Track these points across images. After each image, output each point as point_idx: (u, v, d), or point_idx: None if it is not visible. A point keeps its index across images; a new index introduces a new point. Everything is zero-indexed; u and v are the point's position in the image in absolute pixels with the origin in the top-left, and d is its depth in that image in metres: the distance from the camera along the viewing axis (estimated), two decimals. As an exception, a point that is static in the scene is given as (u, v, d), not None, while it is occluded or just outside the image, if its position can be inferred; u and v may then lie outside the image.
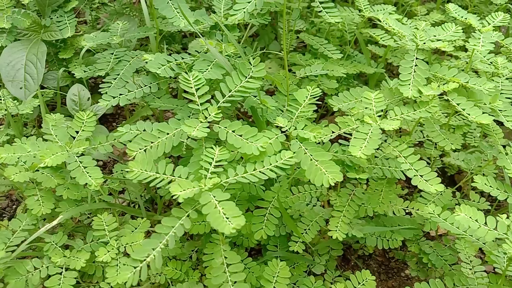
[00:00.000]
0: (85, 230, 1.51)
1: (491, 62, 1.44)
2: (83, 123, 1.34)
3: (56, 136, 1.35)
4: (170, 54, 1.34)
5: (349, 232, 1.25)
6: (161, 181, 1.01)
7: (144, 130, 1.17)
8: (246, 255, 1.31)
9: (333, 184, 1.02)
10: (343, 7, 1.80)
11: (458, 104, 1.18)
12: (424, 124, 1.60)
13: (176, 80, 1.65)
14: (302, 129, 1.13)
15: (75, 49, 1.95)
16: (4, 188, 1.77)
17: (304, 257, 1.43)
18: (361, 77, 2.11)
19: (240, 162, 1.18)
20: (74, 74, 1.88)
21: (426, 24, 1.47)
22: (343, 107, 1.29)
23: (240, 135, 1.09)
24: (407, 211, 1.40)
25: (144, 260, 0.91)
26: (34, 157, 1.25)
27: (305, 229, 1.33)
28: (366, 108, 1.19)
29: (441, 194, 1.42)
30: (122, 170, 1.48)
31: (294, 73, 1.66)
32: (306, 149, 1.08)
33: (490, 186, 1.22)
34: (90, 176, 1.20)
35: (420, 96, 1.19)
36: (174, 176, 1.02)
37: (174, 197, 0.94)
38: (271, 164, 1.05)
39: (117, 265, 1.22)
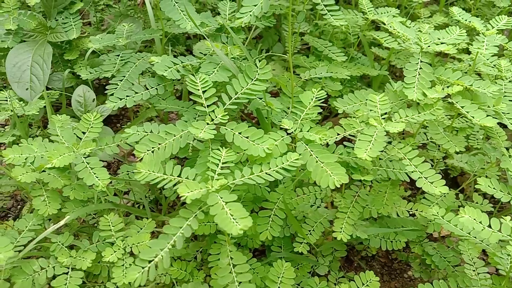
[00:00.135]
0: (90, 230, 1.52)
1: (494, 65, 1.45)
2: (90, 124, 1.35)
3: (62, 137, 1.36)
4: (175, 56, 1.35)
5: (354, 234, 1.26)
6: (168, 182, 1.02)
7: (151, 132, 1.18)
8: (251, 256, 1.32)
9: (338, 186, 1.03)
10: (347, 9, 1.81)
11: (462, 107, 1.19)
12: (427, 127, 1.61)
13: (181, 82, 1.66)
14: (308, 131, 1.14)
15: (80, 51, 1.97)
16: (10, 188, 1.78)
17: (308, 258, 1.44)
18: (364, 79, 2.12)
19: (246, 163, 1.19)
20: (79, 75, 1.90)
21: (430, 26, 1.49)
22: (348, 109, 1.30)
23: (247, 137, 1.10)
24: (410, 212, 1.41)
25: (152, 260, 0.92)
26: (42, 157, 1.26)
27: (309, 230, 1.34)
28: (370, 110, 1.20)
29: (444, 196, 1.43)
30: (128, 171, 1.49)
31: (298, 75, 1.67)
32: (311, 151, 1.09)
33: (494, 188, 1.23)
34: (97, 177, 1.21)
35: (423, 99, 1.20)
36: (181, 177, 1.03)
37: (181, 198, 0.95)
38: (277, 166, 1.06)
39: (123, 265, 1.23)
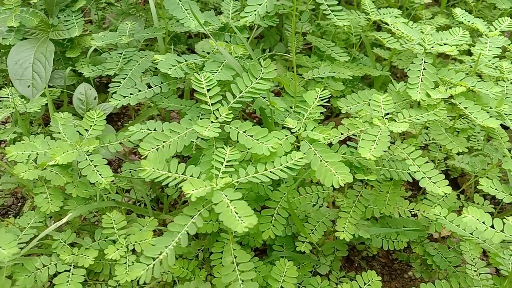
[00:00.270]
0: (91, 228, 1.52)
1: (496, 67, 1.46)
2: (93, 122, 1.35)
3: (65, 134, 1.36)
4: (178, 55, 1.35)
5: (356, 233, 1.26)
6: (173, 180, 1.02)
7: (155, 130, 1.18)
8: (253, 254, 1.32)
9: (343, 185, 1.03)
10: (349, 10, 1.82)
11: (465, 108, 1.19)
12: (428, 127, 1.62)
13: (183, 80, 1.66)
14: (312, 131, 1.15)
15: (82, 49, 1.97)
16: (10, 185, 1.77)
17: (310, 258, 1.44)
18: (365, 79, 2.12)
19: (249, 162, 1.19)
20: (80, 73, 1.90)
21: (432, 28, 1.49)
22: (351, 109, 1.30)
23: (251, 136, 1.10)
24: (412, 213, 1.41)
25: (157, 257, 0.92)
26: (45, 155, 1.26)
27: (311, 230, 1.34)
28: (374, 110, 1.20)
29: (446, 196, 1.43)
30: (130, 169, 1.49)
31: (300, 74, 1.68)
32: (315, 150, 1.10)
33: (496, 189, 1.24)
34: (100, 175, 1.21)
35: (425, 100, 1.20)
36: (186, 175, 1.03)
37: (186, 196, 0.95)
38: (281, 165, 1.06)
39: (125, 263, 1.23)
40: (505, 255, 1.17)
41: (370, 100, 1.28)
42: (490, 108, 1.25)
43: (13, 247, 0.96)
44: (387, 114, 1.19)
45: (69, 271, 1.24)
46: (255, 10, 1.17)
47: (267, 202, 1.30)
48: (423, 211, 1.39)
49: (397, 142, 1.23)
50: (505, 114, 1.25)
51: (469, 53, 1.85)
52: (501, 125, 1.28)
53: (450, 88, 1.23)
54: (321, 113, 1.23)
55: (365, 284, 1.29)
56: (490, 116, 1.18)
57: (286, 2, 1.70)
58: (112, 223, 1.29)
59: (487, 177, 1.37)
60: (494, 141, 1.45)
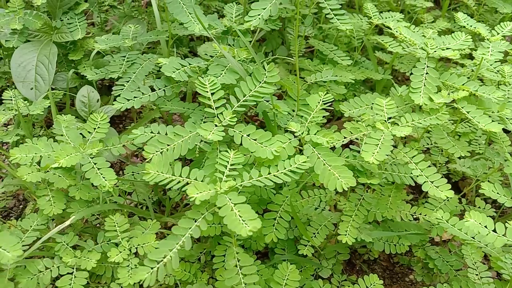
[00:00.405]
0: (93, 231, 1.53)
1: (498, 71, 1.46)
2: (96, 124, 1.35)
3: (68, 137, 1.36)
4: (181, 58, 1.36)
5: (358, 237, 1.26)
6: (177, 183, 1.02)
7: (158, 133, 1.18)
8: (255, 258, 1.32)
9: (346, 189, 1.04)
10: (351, 13, 1.82)
11: (468, 112, 1.20)
12: (430, 131, 1.63)
13: (186, 83, 1.67)
14: (315, 134, 1.15)
15: (85, 51, 1.97)
16: (12, 188, 1.78)
17: (312, 261, 1.45)
18: (366, 82, 2.13)
19: (252, 166, 1.19)
20: (83, 75, 1.90)
21: (433, 32, 1.50)
22: (354, 113, 1.31)
23: (255, 139, 1.11)
24: (414, 216, 1.42)
25: (161, 260, 0.93)
26: (49, 157, 1.26)
27: (314, 233, 1.35)
28: (377, 114, 1.21)
29: (447, 200, 1.44)
30: (133, 172, 1.49)
31: (303, 78, 1.68)
32: (319, 154, 1.10)
33: (498, 193, 1.24)
34: (104, 177, 1.21)
35: (427, 104, 1.21)
36: (190, 179, 1.04)
37: (190, 199, 0.95)
38: (285, 168, 1.06)
39: (128, 265, 1.23)
40: (506, 259, 1.18)
41: (372, 104, 1.29)
42: (492, 112, 1.25)
43: (18, 249, 0.97)
44: (390, 118, 1.20)
45: (71, 273, 1.24)
46: (259, 14, 1.17)
47: (270, 206, 1.31)
48: (425, 215, 1.40)
49: (399, 146, 1.23)
50: (507, 118, 1.26)
51: (470, 57, 1.86)
52: (502, 129, 1.29)
53: (452, 92, 1.24)
54: (323, 116, 1.23)
55: (367, 287, 1.29)
56: (492, 121, 1.18)
57: (289, 6, 1.71)
58: (115, 225, 1.30)
59: (488, 181, 1.37)
60: (496, 145, 1.45)
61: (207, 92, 1.15)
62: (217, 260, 1.26)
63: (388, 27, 1.42)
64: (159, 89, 1.34)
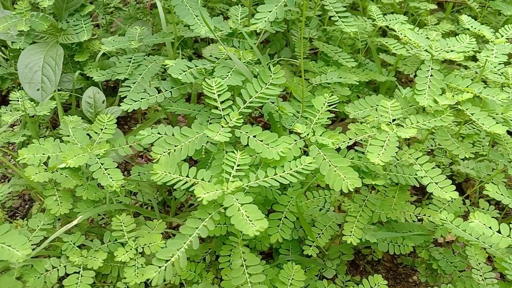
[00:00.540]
0: (99, 230, 1.54)
1: (501, 73, 1.47)
2: (104, 125, 1.36)
3: (75, 138, 1.37)
4: (188, 60, 1.37)
5: (363, 237, 1.27)
6: (184, 183, 1.04)
7: (165, 134, 1.19)
8: (260, 258, 1.33)
9: (352, 190, 1.04)
10: (355, 15, 1.83)
11: (472, 114, 1.21)
12: (434, 133, 1.63)
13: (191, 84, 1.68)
14: (321, 136, 1.16)
15: (90, 53, 1.99)
16: (18, 188, 1.79)
17: (316, 261, 1.46)
18: (370, 84, 2.14)
19: (258, 167, 1.20)
20: (88, 77, 1.92)
21: (437, 34, 1.51)
22: (359, 115, 1.32)
23: (261, 140, 1.12)
24: (418, 217, 1.42)
25: (169, 260, 0.94)
26: (57, 158, 1.28)
27: (319, 234, 1.36)
28: (381, 116, 1.22)
29: (451, 201, 1.44)
30: (139, 173, 1.50)
31: (307, 79, 1.69)
32: (325, 155, 1.11)
33: (502, 194, 1.25)
34: (111, 178, 1.22)
35: (432, 106, 1.22)
36: (197, 179, 1.05)
37: (198, 199, 0.96)
38: (291, 169, 1.07)
39: (135, 265, 1.24)
40: (511, 260, 1.18)
41: (377, 105, 1.30)
42: (496, 114, 1.26)
43: (27, 248, 0.98)
44: (394, 119, 1.21)
45: (78, 273, 1.25)
46: (265, 17, 1.18)
47: (275, 206, 1.32)
48: (429, 216, 1.41)
49: (403, 148, 1.24)
50: (511, 120, 1.27)
51: (473, 59, 1.86)
52: (507, 131, 1.30)
53: (456, 94, 1.24)
54: (327, 118, 1.24)
55: (371, 287, 1.30)
56: (497, 122, 1.19)
57: (293, 8, 1.72)
58: (121, 225, 1.31)
59: (492, 183, 1.38)
60: (500, 146, 1.46)
61: (214, 93, 1.16)
62: (223, 259, 1.27)
63: (393, 29, 1.43)
64: (166, 90, 1.36)
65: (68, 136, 1.39)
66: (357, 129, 1.22)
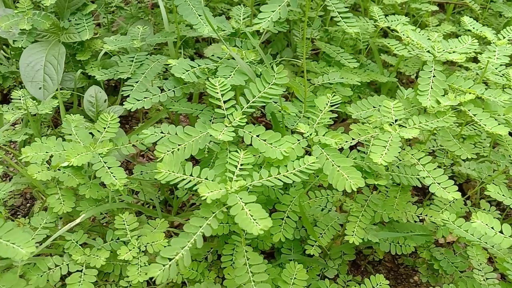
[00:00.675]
0: (101, 229, 1.54)
1: (503, 74, 1.48)
2: (106, 124, 1.37)
3: (78, 136, 1.38)
4: (191, 60, 1.37)
5: (365, 237, 1.28)
6: (188, 182, 1.04)
7: (169, 133, 1.20)
8: (263, 257, 1.33)
9: (355, 189, 1.05)
10: (357, 16, 1.84)
11: (474, 115, 1.21)
12: (435, 133, 1.64)
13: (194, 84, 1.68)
14: (324, 135, 1.16)
15: (92, 52, 1.99)
16: (20, 186, 1.79)
17: (318, 261, 1.46)
18: (371, 85, 2.14)
19: (261, 166, 1.21)
20: (90, 75, 1.92)
21: (439, 35, 1.51)
22: (361, 115, 1.32)
23: (264, 140, 1.12)
24: (420, 218, 1.43)
25: (173, 258, 0.94)
26: (60, 156, 1.28)
27: (321, 233, 1.36)
28: (384, 116, 1.22)
29: (453, 202, 1.45)
30: (142, 171, 1.51)
31: (309, 80, 1.70)
32: (328, 155, 1.11)
33: (503, 195, 1.25)
34: (114, 176, 1.23)
35: (434, 107, 1.22)
36: (200, 178, 1.05)
37: (202, 198, 0.97)
38: (294, 169, 1.08)
39: (137, 263, 1.25)
40: (512, 260, 1.19)
41: (379, 106, 1.30)
42: (498, 115, 1.27)
43: (31, 246, 0.98)
44: (397, 120, 1.21)
45: (81, 271, 1.26)
46: (268, 17, 1.19)
47: (278, 206, 1.32)
48: (431, 216, 1.41)
49: (406, 148, 1.25)
50: (512, 121, 1.27)
51: (474, 60, 1.87)
52: (508, 132, 1.31)
53: (458, 95, 1.25)
54: (330, 118, 1.25)
55: (373, 287, 1.30)
56: (499, 124, 1.20)
57: (296, 9, 1.73)
58: (124, 224, 1.31)
59: (493, 183, 1.38)
60: (501, 147, 1.47)
61: (218, 93, 1.17)
62: (225, 259, 1.27)
63: (395, 30, 1.44)
64: (169, 89, 1.36)
65: (70, 134, 1.39)
66: (359, 129, 1.22)
